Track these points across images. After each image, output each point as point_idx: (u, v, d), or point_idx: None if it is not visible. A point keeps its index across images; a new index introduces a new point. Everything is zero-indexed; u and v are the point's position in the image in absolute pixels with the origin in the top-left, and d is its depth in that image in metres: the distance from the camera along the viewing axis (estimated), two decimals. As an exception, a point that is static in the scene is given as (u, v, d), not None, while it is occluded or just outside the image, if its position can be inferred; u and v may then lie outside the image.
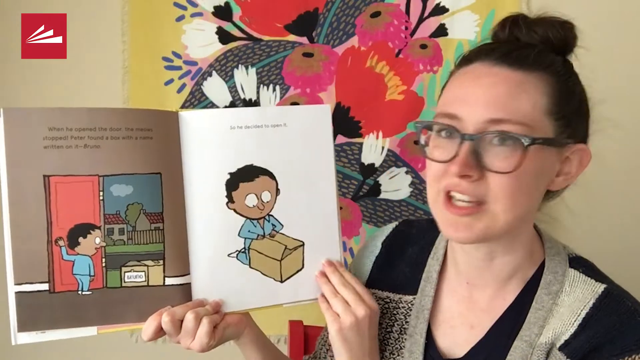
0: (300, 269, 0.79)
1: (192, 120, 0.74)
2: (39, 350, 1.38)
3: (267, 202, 0.77)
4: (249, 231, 0.76)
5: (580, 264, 0.77)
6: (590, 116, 0.74)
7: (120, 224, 0.70)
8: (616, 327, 0.70)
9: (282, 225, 0.78)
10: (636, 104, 1.27)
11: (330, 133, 0.79)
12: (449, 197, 0.70)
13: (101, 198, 0.69)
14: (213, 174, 0.74)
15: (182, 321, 0.71)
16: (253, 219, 0.76)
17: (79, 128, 0.68)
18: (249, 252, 0.76)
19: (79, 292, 0.69)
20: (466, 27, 1.34)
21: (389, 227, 0.91)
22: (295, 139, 0.77)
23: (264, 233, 0.77)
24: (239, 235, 0.76)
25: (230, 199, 0.75)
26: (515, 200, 0.68)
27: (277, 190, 0.77)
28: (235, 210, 0.76)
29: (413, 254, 0.86)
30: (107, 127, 0.68)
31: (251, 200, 0.75)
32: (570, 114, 0.70)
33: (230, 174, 0.75)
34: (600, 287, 0.73)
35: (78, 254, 0.69)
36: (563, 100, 0.70)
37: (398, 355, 0.81)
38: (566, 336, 0.71)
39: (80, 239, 0.69)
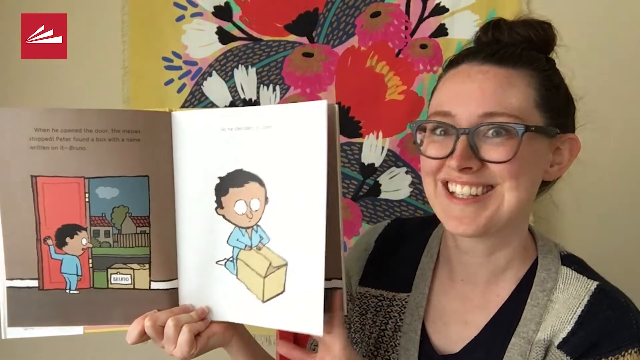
0: (281, 293, 0.69)
1: (184, 121, 0.71)
2: (33, 347, 1.38)
3: (256, 211, 0.70)
4: (237, 240, 0.71)
5: (572, 261, 0.78)
6: (575, 109, 0.78)
7: (106, 226, 0.69)
8: (611, 323, 0.72)
9: (269, 239, 0.70)
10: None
11: (323, 135, 0.65)
12: (449, 191, 0.72)
13: (87, 200, 0.68)
14: (203, 178, 0.71)
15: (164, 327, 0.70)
16: (242, 228, 0.71)
17: (65, 129, 0.67)
18: (236, 262, 0.71)
19: (67, 291, 0.70)
20: (466, 27, 1.34)
21: (382, 225, 0.92)
22: (285, 142, 0.68)
23: (251, 244, 0.71)
24: (227, 242, 0.71)
25: (219, 205, 0.71)
26: (519, 180, 0.70)
27: (266, 199, 0.70)
28: (224, 217, 0.71)
29: (406, 251, 0.86)
30: (92, 128, 0.67)
31: (240, 208, 0.70)
32: (558, 106, 0.74)
33: (220, 178, 0.71)
34: (592, 284, 0.74)
35: (66, 253, 0.69)
36: (550, 94, 0.73)
37: (393, 352, 0.81)
38: (564, 334, 0.72)
39: (68, 239, 0.69)
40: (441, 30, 1.35)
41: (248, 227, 0.71)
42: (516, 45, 0.75)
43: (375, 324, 0.84)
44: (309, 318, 0.66)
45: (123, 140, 0.68)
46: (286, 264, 0.69)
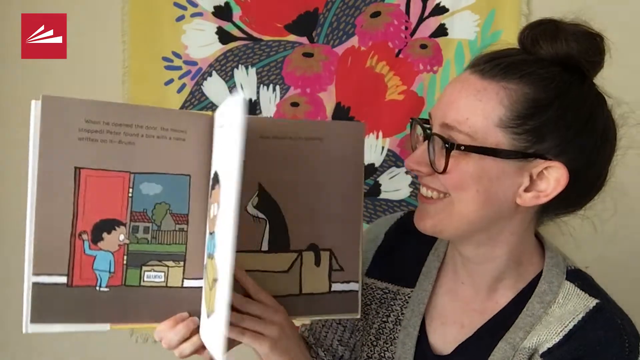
0: (213, 312, 0.63)
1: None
2: (33, 348, 1.38)
3: (215, 215, 0.66)
4: (207, 247, 0.69)
5: (577, 277, 0.77)
6: (593, 137, 0.69)
7: (146, 222, 0.68)
8: (601, 342, 0.70)
9: (215, 248, 0.64)
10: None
11: (240, 136, 0.57)
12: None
13: (130, 195, 0.67)
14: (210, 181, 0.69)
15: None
16: (210, 234, 0.68)
17: (116, 123, 0.66)
18: (205, 270, 0.68)
19: (97, 288, 0.67)
20: (466, 27, 1.34)
21: (393, 217, 0.92)
22: (224, 140, 0.65)
23: (210, 253, 0.67)
24: (205, 249, 0.69)
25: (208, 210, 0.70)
26: (463, 194, 0.69)
27: (219, 203, 0.65)
28: (206, 221, 0.70)
29: (415, 246, 0.86)
30: (143, 124, 0.67)
31: (213, 211, 0.67)
32: (542, 128, 0.67)
33: (212, 179, 0.69)
34: (592, 302, 0.73)
35: (100, 249, 0.67)
36: (532, 113, 0.66)
37: (391, 345, 0.82)
38: (550, 344, 0.72)
39: (104, 235, 0.67)
40: (441, 30, 1.35)
41: (211, 233, 0.67)
42: (520, 54, 0.70)
43: (378, 315, 0.85)
44: (214, 339, 0.61)
45: (170, 138, 0.68)
46: (216, 280, 0.63)
